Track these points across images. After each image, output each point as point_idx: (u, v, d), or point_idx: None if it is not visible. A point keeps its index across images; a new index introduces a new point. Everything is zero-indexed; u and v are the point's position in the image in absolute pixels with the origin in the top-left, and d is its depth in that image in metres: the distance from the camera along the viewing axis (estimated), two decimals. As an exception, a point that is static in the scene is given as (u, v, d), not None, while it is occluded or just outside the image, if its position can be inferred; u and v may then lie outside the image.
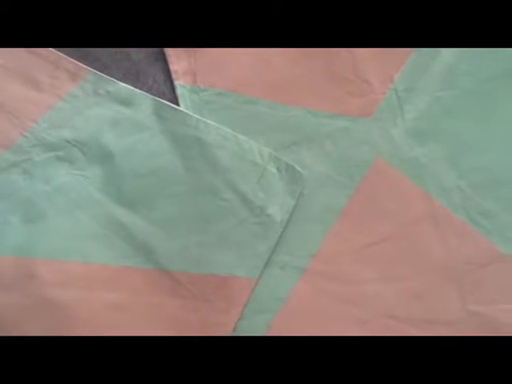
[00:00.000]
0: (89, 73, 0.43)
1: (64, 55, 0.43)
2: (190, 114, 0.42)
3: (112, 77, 0.43)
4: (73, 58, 0.43)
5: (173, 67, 0.44)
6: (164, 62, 0.44)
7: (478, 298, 0.38)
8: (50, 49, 0.43)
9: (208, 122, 0.41)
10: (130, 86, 0.43)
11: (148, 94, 0.42)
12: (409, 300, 0.38)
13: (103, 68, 0.44)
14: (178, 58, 0.44)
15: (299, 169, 0.40)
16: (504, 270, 0.38)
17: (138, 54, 0.44)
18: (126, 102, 0.42)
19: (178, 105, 0.43)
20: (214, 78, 0.43)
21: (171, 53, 0.44)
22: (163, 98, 0.42)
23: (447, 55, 0.43)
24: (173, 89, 0.43)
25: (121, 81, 0.43)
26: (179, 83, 0.43)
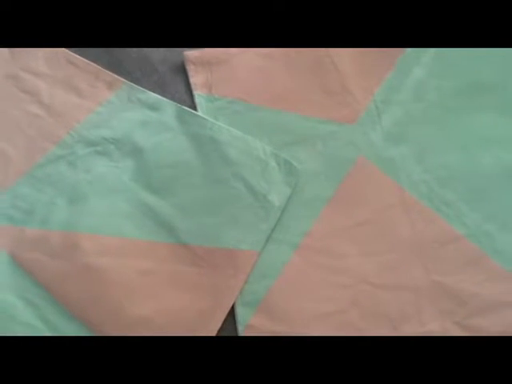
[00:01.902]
0: (123, 83, 0.52)
1: (101, 68, 0.52)
2: (206, 118, 0.50)
3: (142, 87, 0.52)
4: (109, 70, 0.52)
5: (192, 80, 0.52)
6: (185, 75, 0.53)
7: (439, 270, 0.46)
8: (91, 63, 0.52)
9: (221, 124, 0.50)
10: (157, 95, 0.51)
11: (172, 102, 0.51)
12: (383, 270, 0.46)
13: (135, 80, 0.52)
14: (197, 73, 0.52)
15: (295, 164, 0.49)
16: (460, 248, 0.46)
17: (163, 68, 0.53)
18: (153, 108, 0.51)
19: (196, 110, 0.51)
20: (226, 89, 0.52)
21: (191, 68, 0.52)
22: (184, 105, 0.51)
23: (419, 73, 0.52)
24: (192, 97, 0.52)
25: (149, 90, 0.52)
26: (197, 93, 0.52)
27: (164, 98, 0.51)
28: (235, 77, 0.52)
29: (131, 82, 0.52)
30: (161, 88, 0.52)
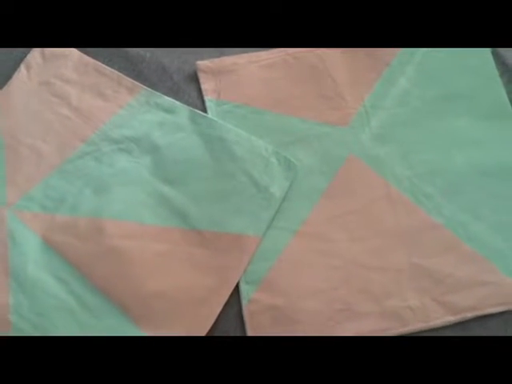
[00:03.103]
0: (142, 89, 0.59)
1: (123, 75, 0.59)
2: (215, 120, 0.57)
3: (159, 92, 0.58)
4: (130, 77, 0.59)
5: (203, 86, 0.59)
6: (197, 82, 0.59)
7: (419, 253, 0.52)
8: (114, 71, 0.59)
9: (228, 125, 0.56)
10: (172, 99, 0.58)
11: (185, 105, 0.58)
12: (369, 253, 0.52)
13: (152, 85, 0.59)
14: (207, 80, 0.59)
15: (293, 160, 0.55)
16: (438, 235, 0.52)
17: (178, 76, 0.60)
18: (169, 111, 0.58)
19: (206, 113, 0.58)
20: (233, 95, 0.58)
21: (202, 76, 0.59)
22: (196, 109, 0.58)
23: (403, 83, 0.59)
24: (203, 102, 0.59)
25: (165, 95, 0.58)
26: (208, 98, 0.59)
27: (178, 102, 0.58)
28: (241, 84, 0.59)
29: (149, 87, 0.59)
30: (176, 93, 0.59)
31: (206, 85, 0.59)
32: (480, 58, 0.59)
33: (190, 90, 0.60)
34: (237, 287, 0.51)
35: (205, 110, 0.58)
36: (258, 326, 0.50)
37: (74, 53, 0.60)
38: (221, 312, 0.50)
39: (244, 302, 0.51)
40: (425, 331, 0.50)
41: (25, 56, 0.60)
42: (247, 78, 0.59)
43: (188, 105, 0.58)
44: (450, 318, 0.50)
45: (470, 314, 0.50)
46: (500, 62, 0.59)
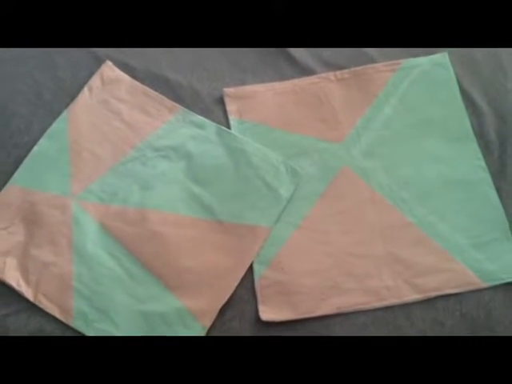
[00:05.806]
0: (180, 109, 0.73)
1: (165, 98, 0.74)
2: (237, 135, 0.71)
3: (193, 112, 0.73)
4: (170, 99, 0.74)
5: (228, 108, 0.74)
6: (223, 104, 0.74)
7: (394, 245, 0.65)
8: (158, 94, 0.74)
9: (248, 140, 0.70)
10: (203, 118, 0.72)
11: (213, 123, 0.72)
12: (355, 244, 0.65)
13: (187, 106, 0.74)
14: (232, 103, 0.74)
15: (298, 169, 0.69)
16: (410, 232, 0.66)
17: (208, 99, 0.74)
18: (200, 126, 0.72)
19: (230, 129, 0.72)
20: (252, 116, 0.73)
21: (228, 100, 0.74)
22: (222, 126, 0.72)
23: (388, 110, 0.73)
24: (228, 120, 0.73)
25: (198, 114, 0.73)
26: (231, 117, 0.73)
27: (208, 120, 0.72)
28: (258, 107, 0.74)
29: (185, 108, 0.73)
30: (206, 113, 0.74)
31: (231, 107, 0.74)
32: (450, 93, 0.73)
33: (217, 111, 0.74)
34: (251, 266, 0.65)
35: (229, 127, 0.72)
36: (266, 296, 0.63)
37: (126, 78, 0.75)
38: (238, 285, 0.63)
39: (256, 278, 0.64)
40: (397, 305, 0.63)
41: (87, 80, 0.75)
42: (263, 102, 0.74)
43: (216, 122, 0.72)
44: (417, 296, 0.63)
45: (433, 294, 0.63)
46: (466, 97, 0.73)
